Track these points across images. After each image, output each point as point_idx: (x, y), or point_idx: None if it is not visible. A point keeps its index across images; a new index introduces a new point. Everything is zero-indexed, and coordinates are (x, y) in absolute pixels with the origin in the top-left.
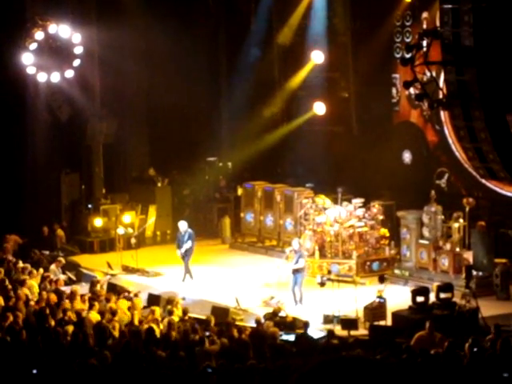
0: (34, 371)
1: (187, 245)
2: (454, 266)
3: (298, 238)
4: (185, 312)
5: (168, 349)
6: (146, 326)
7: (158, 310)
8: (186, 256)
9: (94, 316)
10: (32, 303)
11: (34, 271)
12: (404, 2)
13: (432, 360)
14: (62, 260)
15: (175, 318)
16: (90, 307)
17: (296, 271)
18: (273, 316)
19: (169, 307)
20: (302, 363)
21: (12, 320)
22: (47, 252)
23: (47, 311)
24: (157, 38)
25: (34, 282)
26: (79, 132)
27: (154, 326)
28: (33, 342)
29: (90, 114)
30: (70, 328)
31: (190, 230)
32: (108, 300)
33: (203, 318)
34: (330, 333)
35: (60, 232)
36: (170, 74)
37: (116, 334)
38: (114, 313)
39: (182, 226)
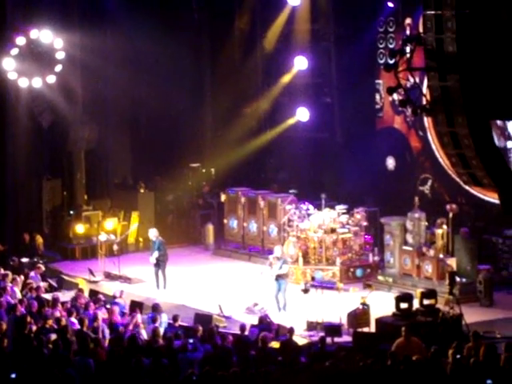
0: (13, 375)
1: (155, 254)
2: (438, 273)
3: (280, 245)
4: (175, 318)
5: (151, 356)
6: (128, 333)
7: (139, 317)
8: (160, 264)
9: (75, 323)
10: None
11: (17, 278)
12: (387, 8)
13: (414, 367)
14: (42, 267)
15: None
16: (70, 315)
17: (279, 277)
18: (258, 324)
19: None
20: (287, 370)
21: None
22: (26, 259)
23: (28, 319)
24: (140, 43)
25: (16, 289)
26: (61, 138)
27: (141, 332)
28: (14, 350)
29: (72, 119)
30: (52, 336)
31: (160, 239)
32: (88, 307)
33: (186, 325)
34: (323, 340)
35: (39, 239)
36: (153, 80)
37: (98, 341)
38: (94, 320)
39: (151, 233)
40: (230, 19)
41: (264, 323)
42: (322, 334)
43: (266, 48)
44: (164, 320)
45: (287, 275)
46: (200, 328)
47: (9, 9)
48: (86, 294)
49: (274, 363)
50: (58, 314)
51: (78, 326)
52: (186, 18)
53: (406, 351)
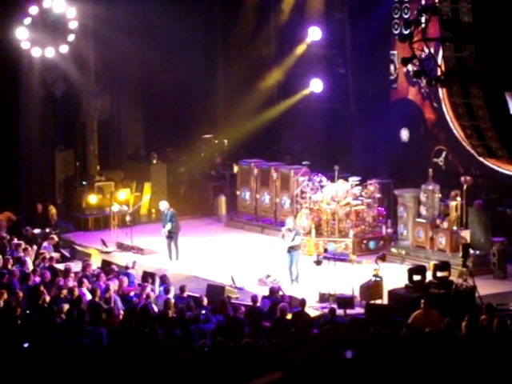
0: (26, 345)
1: (168, 226)
2: (451, 245)
3: (292, 217)
4: (182, 289)
5: (164, 327)
6: (140, 304)
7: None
8: (172, 236)
9: (88, 293)
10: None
11: (29, 248)
12: None
13: (427, 338)
14: (55, 237)
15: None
16: (81, 285)
17: (291, 249)
18: (269, 295)
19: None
20: (299, 341)
21: (6, 297)
22: (39, 230)
23: (41, 288)
24: (153, 13)
25: (28, 259)
26: (74, 108)
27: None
28: (27, 320)
29: (85, 90)
30: (65, 306)
31: (171, 210)
32: (99, 277)
33: (195, 295)
34: (332, 311)
35: (52, 209)
36: (165, 50)
37: (110, 311)
38: (106, 290)
39: (162, 205)
40: None
41: (275, 295)
42: (334, 305)
43: (280, 19)
44: (172, 292)
45: (299, 247)
46: (204, 298)
47: None
48: (99, 264)
49: (287, 335)
50: (70, 284)
51: (89, 296)
52: None
53: (424, 324)
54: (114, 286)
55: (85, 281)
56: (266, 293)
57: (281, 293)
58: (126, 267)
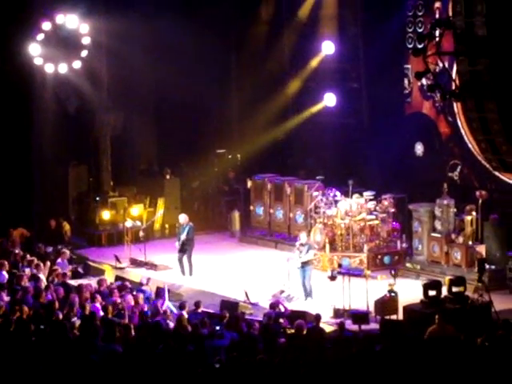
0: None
1: (183, 237)
2: (467, 260)
3: (305, 232)
4: (197, 305)
5: (177, 343)
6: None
7: (164, 305)
8: (185, 250)
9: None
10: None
11: (41, 265)
12: None
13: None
14: (67, 252)
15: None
16: (95, 301)
17: (305, 264)
18: (270, 309)
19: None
20: (313, 357)
21: (19, 314)
22: (51, 248)
23: (55, 305)
24: (165, 28)
25: (41, 276)
26: (87, 124)
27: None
28: (40, 336)
29: (98, 105)
30: (77, 322)
31: (190, 224)
32: (112, 294)
33: (210, 311)
34: (341, 326)
35: (66, 225)
36: (178, 65)
37: (123, 328)
38: (119, 307)
39: (182, 218)
40: (256, 3)
41: (276, 309)
42: (344, 320)
43: (294, 33)
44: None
45: (312, 262)
46: (227, 314)
47: None
48: (112, 280)
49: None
50: (83, 300)
51: (101, 313)
52: (211, 2)
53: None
54: (127, 301)
55: (98, 296)
56: (281, 308)
57: (281, 307)
58: (141, 284)
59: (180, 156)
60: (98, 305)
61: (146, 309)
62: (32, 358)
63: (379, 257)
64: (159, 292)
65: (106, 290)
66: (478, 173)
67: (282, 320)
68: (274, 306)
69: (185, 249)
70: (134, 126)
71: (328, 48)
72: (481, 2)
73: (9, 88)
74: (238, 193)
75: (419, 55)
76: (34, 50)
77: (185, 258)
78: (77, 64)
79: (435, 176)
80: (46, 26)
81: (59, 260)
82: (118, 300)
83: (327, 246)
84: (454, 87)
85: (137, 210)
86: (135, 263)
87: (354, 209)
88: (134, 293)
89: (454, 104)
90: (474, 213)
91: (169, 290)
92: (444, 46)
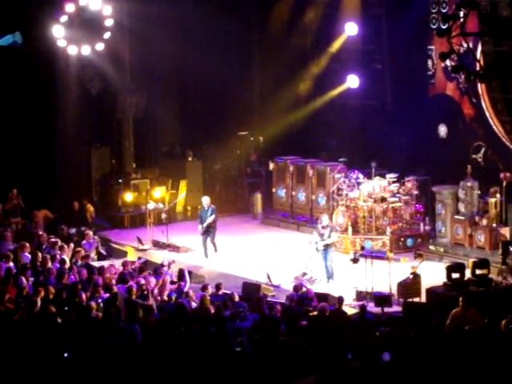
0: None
1: (210, 219)
2: (491, 242)
3: (327, 214)
4: (218, 287)
5: (199, 324)
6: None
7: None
8: (209, 231)
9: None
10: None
11: (65, 246)
12: None
13: (466, 336)
14: (90, 233)
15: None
16: (119, 283)
17: (327, 247)
18: (294, 292)
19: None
20: (336, 339)
21: (43, 295)
22: (74, 229)
23: (79, 286)
24: (188, 9)
25: (65, 257)
26: (110, 105)
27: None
28: (64, 317)
29: (121, 87)
30: (101, 303)
31: (213, 206)
32: (135, 276)
33: (228, 292)
34: (363, 308)
35: (90, 207)
36: (201, 47)
37: (147, 309)
38: (141, 288)
39: (205, 200)
40: None
41: (299, 292)
42: (366, 303)
43: (316, 14)
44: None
45: (334, 244)
46: (236, 295)
47: None
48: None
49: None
50: (107, 281)
51: (125, 294)
52: None
53: (463, 322)
54: (150, 283)
55: (122, 278)
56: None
57: (304, 289)
58: (162, 265)
59: (202, 138)
60: (121, 286)
61: (169, 291)
62: (56, 339)
63: (402, 239)
64: (181, 274)
65: (130, 271)
66: (503, 155)
67: (310, 301)
68: (297, 288)
69: (209, 231)
70: (157, 108)
71: (351, 29)
72: None
73: (32, 70)
74: (260, 175)
75: (443, 36)
76: (58, 32)
77: (208, 240)
78: (100, 46)
79: (459, 158)
80: (70, 7)
81: (84, 241)
82: (142, 281)
83: (349, 229)
84: (478, 68)
85: (159, 192)
86: (157, 245)
87: (377, 191)
88: (158, 275)
89: (479, 85)
90: (498, 195)
91: (190, 272)
92: (468, 26)
